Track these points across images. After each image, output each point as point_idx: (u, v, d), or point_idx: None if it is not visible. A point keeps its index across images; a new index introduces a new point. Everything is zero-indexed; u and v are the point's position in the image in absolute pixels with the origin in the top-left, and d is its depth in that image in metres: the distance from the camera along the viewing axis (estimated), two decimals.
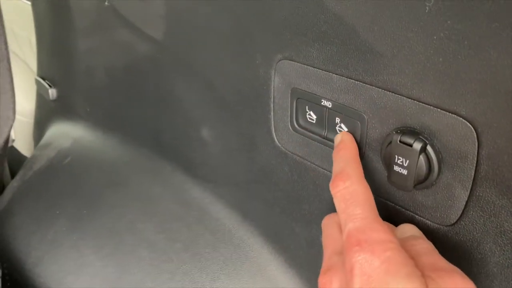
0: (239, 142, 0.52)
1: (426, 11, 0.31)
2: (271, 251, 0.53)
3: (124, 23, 0.64)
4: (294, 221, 0.49)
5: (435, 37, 0.31)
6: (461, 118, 0.32)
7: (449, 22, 0.30)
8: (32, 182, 0.81)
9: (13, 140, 1.05)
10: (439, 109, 0.33)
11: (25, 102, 1.08)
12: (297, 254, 0.51)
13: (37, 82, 0.91)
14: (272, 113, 0.46)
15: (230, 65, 0.49)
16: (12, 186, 0.84)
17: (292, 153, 0.46)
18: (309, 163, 0.45)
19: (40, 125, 0.98)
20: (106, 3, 0.66)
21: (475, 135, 0.31)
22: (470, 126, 0.32)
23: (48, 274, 0.65)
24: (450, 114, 0.32)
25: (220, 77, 0.51)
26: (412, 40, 0.32)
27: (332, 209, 0.44)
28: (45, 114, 0.95)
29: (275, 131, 0.47)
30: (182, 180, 0.62)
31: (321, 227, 0.39)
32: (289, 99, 0.44)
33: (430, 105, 0.33)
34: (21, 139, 1.11)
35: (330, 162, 0.43)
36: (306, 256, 0.50)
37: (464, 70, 0.30)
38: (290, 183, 0.48)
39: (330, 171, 0.43)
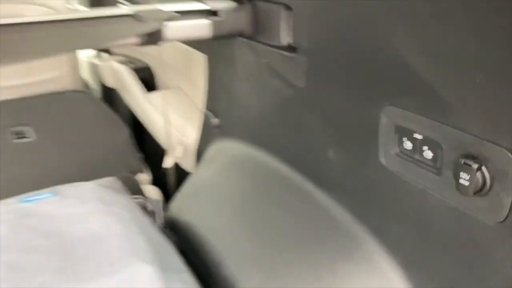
0: (355, 162, 0.72)
1: (477, 81, 0.49)
2: (386, 255, 0.71)
3: (274, 74, 0.89)
4: (402, 222, 0.67)
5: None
6: (503, 149, 0.49)
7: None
8: (199, 189, 1.10)
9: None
10: (490, 142, 0.50)
11: (191, 129, 1.40)
12: (410, 261, 0.67)
13: (205, 113, 1.21)
14: (380, 142, 0.66)
15: (351, 107, 0.70)
16: (182, 193, 1.13)
17: (394, 171, 0.65)
18: (406, 178, 0.64)
19: (203, 147, 1.28)
20: (263, 60, 0.92)
21: None
22: (509, 154, 0.48)
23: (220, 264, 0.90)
24: (496, 145, 0.50)
25: (342, 114, 0.73)
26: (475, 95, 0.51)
27: (435, 216, 0.62)
28: (207, 138, 1.25)
29: (383, 155, 0.67)
30: (311, 190, 0.84)
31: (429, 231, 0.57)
32: (393, 133, 0.63)
33: (484, 140, 0.51)
34: (187, 159, 1.43)
35: (423, 179, 0.61)
36: (419, 265, 0.66)
37: (506, 113, 0.48)
38: (395, 195, 0.67)
39: (425, 187, 0.61)
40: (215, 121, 1.17)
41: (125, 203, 0.95)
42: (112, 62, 1.96)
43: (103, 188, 0.97)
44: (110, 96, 2.06)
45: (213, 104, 1.19)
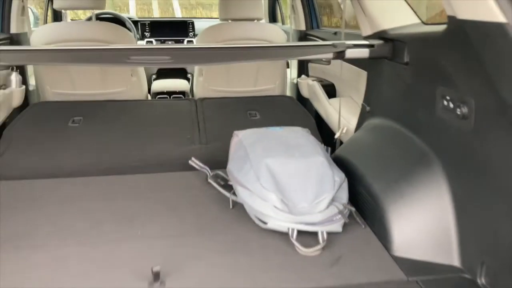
0: (427, 115, 1.50)
1: (463, 78, 1.28)
2: (436, 158, 1.47)
3: (399, 77, 1.72)
4: (442, 139, 1.44)
5: None
6: (471, 98, 1.25)
7: None
8: (354, 141, 1.96)
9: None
10: (467, 96, 1.27)
11: (353, 119, 2.27)
12: (446, 158, 1.44)
13: (362, 106, 2.08)
14: (436, 103, 1.45)
15: (427, 89, 1.50)
16: (343, 145, 2.00)
17: (440, 117, 1.43)
18: (444, 118, 1.41)
19: (358, 126, 2.13)
20: (394, 70, 1.76)
21: None
22: (473, 101, 1.25)
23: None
24: (469, 97, 1.26)
25: (423, 92, 1.53)
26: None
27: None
28: (361, 122, 2.11)
29: (436, 110, 1.45)
30: (408, 134, 1.63)
31: (450, 138, 1.37)
32: (440, 98, 1.42)
33: (465, 95, 1.28)
34: (347, 136, 2.29)
35: (449, 117, 1.37)
36: (447, 159, 1.43)
37: (471, 86, 1.25)
38: (440, 127, 1.44)
39: (450, 120, 1.38)
40: (368, 108, 2.03)
41: (313, 137, 1.87)
42: (308, 80, 2.98)
43: (303, 130, 1.92)
44: (302, 101, 3.07)
45: (367, 99, 2.06)
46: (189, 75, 3.88)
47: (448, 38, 1.33)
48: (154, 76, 3.85)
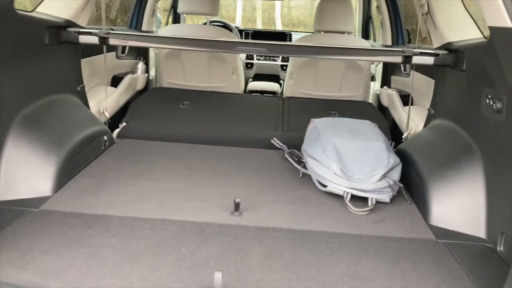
0: (472, 111, 1.76)
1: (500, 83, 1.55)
2: (475, 145, 1.73)
3: (458, 81, 1.99)
4: (481, 128, 1.70)
5: None
6: (504, 95, 1.52)
7: None
8: (415, 137, 2.25)
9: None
10: (501, 93, 1.54)
11: (421, 122, 2.52)
12: (484, 144, 1.70)
13: (428, 109, 2.35)
14: (481, 101, 1.71)
15: (474, 88, 1.77)
16: (408, 139, 2.29)
17: (483, 113, 1.69)
18: (485, 114, 1.67)
19: (424, 127, 2.40)
20: (456, 76, 2.04)
21: None
22: (505, 97, 1.51)
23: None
24: (501, 93, 1.53)
25: (471, 91, 1.79)
26: None
27: None
28: (427, 122, 2.37)
29: (481, 106, 1.71)
30: (455, 127, 1.90)
31: (488, 127, 1.64)
32: (484, 96, 1.68)
33: (499, 92, 1.54)
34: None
35: (490, 113, 1.64)
36: (485, 146, 1.69)
37: (504, 86, 1.52)
38: (482, 121, 1.70)
39: (490, 115, 1.64)
40: (432, 112, 2.30)
41: (378, 129, 2.19)
42: (388, 90, 3.27)
43: (371, 123, 2.25)
44: (381, 111, 3.35)
45: (433, 103, 2.33)
46: (281, 81, 4.32)
47: (490, 46, 1.60)
48: (250, 80, 4.36)
